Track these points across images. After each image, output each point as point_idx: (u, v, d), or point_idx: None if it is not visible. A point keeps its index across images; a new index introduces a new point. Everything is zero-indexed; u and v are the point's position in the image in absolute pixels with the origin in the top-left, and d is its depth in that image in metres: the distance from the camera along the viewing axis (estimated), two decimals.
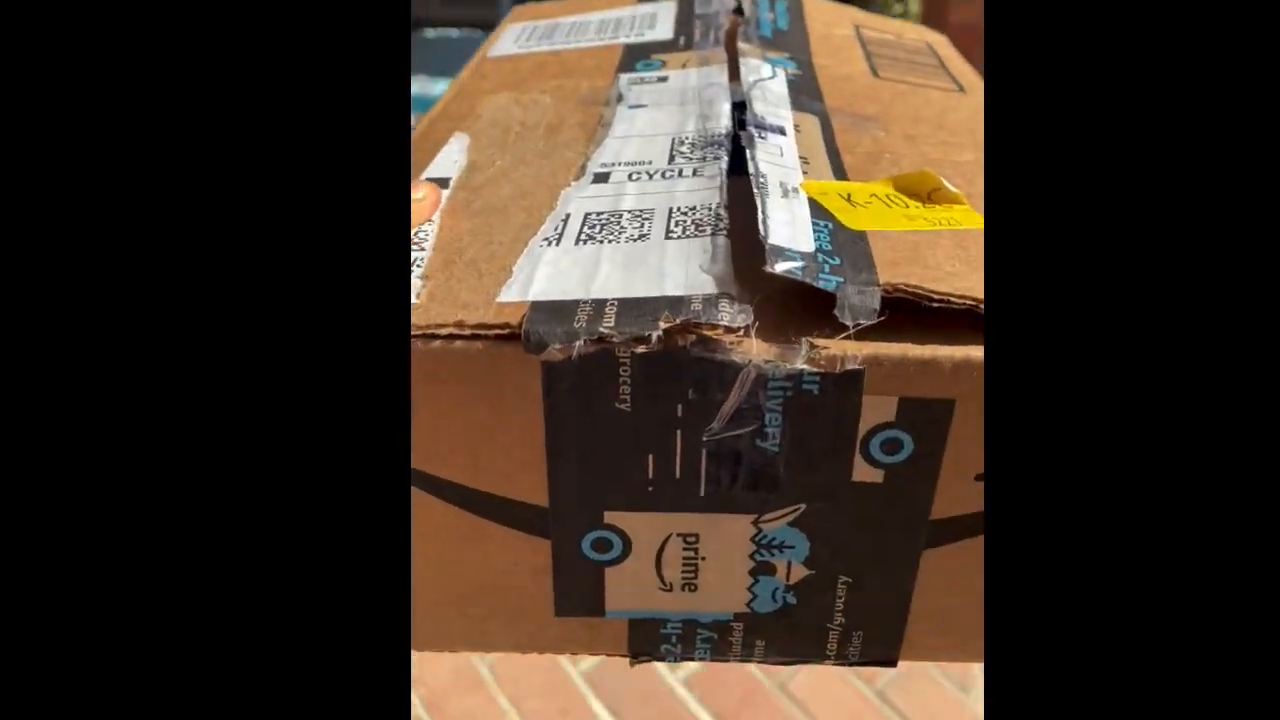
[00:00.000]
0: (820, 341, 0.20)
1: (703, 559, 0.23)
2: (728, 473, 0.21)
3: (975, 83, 0.39)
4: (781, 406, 0.20)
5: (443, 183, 0.27)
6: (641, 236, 0.23)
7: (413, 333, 0.20)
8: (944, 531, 0.22)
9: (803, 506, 0.22)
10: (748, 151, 0.26)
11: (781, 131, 0.28)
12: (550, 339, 0.19)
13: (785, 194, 0.24)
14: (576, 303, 0.20)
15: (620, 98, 0.32)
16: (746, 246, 0.22)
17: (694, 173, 0.26)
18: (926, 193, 0.26)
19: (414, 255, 0.23)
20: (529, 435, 0.21)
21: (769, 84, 0.32)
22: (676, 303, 0.20)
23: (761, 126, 0.28)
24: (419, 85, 1.44)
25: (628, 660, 0.25)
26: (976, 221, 0.24)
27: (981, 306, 0.20)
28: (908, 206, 0.25)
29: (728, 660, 0.24)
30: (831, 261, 0.21)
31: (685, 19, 0.39)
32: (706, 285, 0.21)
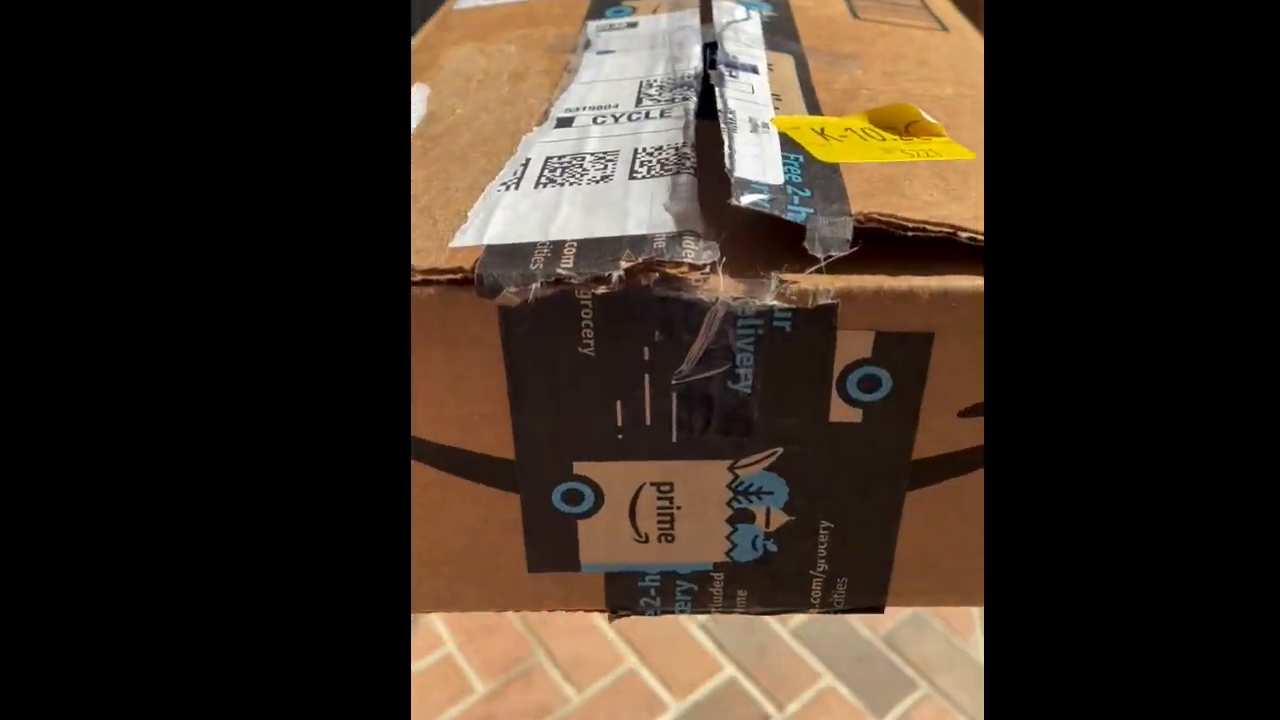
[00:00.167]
0: (790, 276, 0.19)
1: (678, 508, 0.22)
2: (700, 417, 0.21)
3: (958, 22, 0.38)
4: (752, 345, 0.20)
5: None
6: (604, 178, 0.22)
7: None
8: (927, 471, 0.22)
9: (780, 450, 0.21)
10: (716, 90, 0.25)
11: (754, 70, 0.27)
12: (505, 282, 0.19)
13: (754, 129, 0.23)
14: (533, 245, 0.20)
15: (588, 44, 0.31)
16: (715, 185, 0.21)
17: (661, 114, 0.25)
18: (904, 125, 0.25)
19: None
20: (490, 385, 0.20)
21: (742, 25, 0.31)
22: (639, 241, 0.19)
23: (733, 65, 0.27)
24: None
25: (605, 615, 0.24)
26: (957, 152, 0.23)
27: (959, 234, 0.19)
28: (884, 139, 0.24)
29: (709, 612, 0.24)
30: (801, 194, 0.20)
31: None
32: (670, 223, 0.20)
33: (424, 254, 0.19)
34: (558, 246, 0.19)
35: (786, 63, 0.29)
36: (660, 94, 0.27)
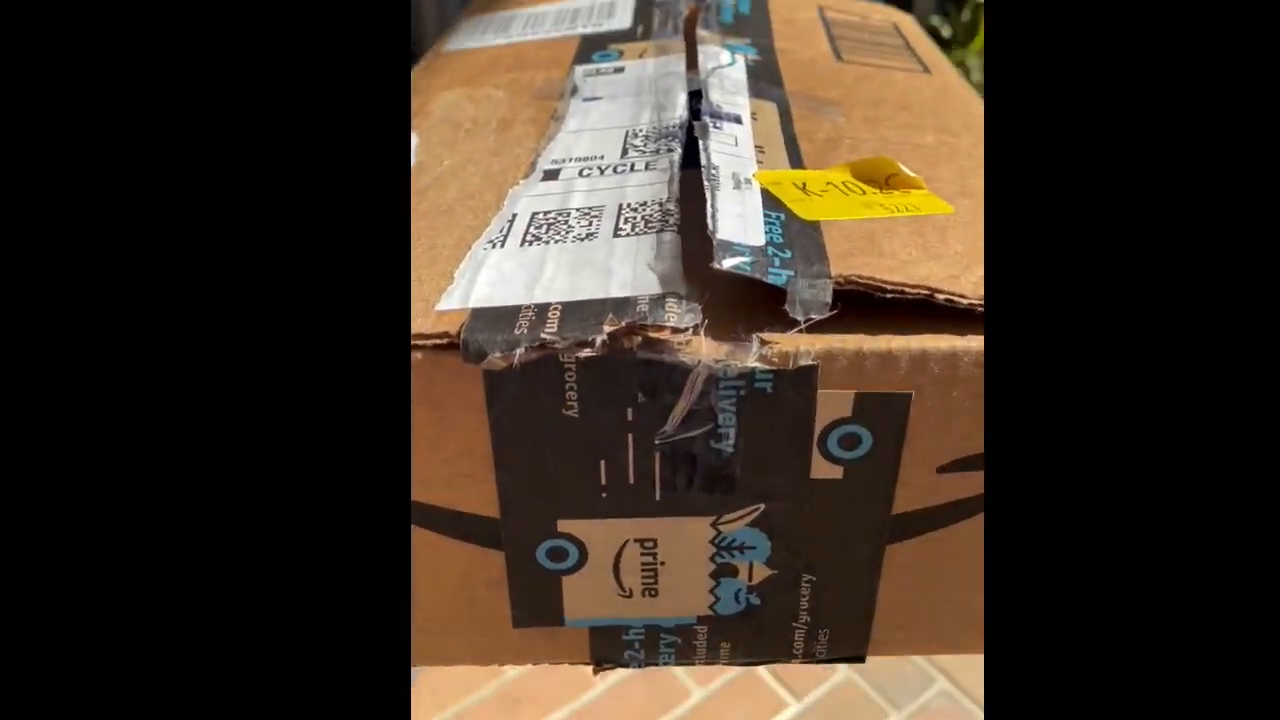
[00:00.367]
0: (772, 337, 0.20)
1: (662, 563, 0.22)
2: (683, 476, 0.21)
3: (939, 62, 0.38)
4: (735, 406, 0.20)
5: None
6: (589, 235, 0.22)
7: None
8: (907, 525, 0.22)
9: (762, 506, 0.21)
10: (700, 142, 0.25)
11: (737, 120, 0.28)
12: (490, 347, 0.19)
13: (737, 185, 0.23)
14: (519, 308, 0.20)
15: (575, 90, 0.31)
16: (698, 241, 0.21)
17: (646, 166, 0.26)
18: (884, 178, 0.25)
19: None
20: (475, 446, 0.20)
21: (727, 71, 0.31)
22: (622, 304, 0.20)
23: (717, 115, 0.27)
24: None
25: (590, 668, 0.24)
26: (935, 206, 0.24)
27: (935, 295, 0.20)
28: (864, 193, 0.24)
29: (693, 663, 0.24)
30: (782, 255, 0.20)
31: (644, 7, 0.39)
32: (653, 284, 0.20)
33: (413, 319, 0.20)
34: (542, 309, 0.20)
35: (770, 111, 0.29)
36: (646, 144, 0.27)
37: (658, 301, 0.20)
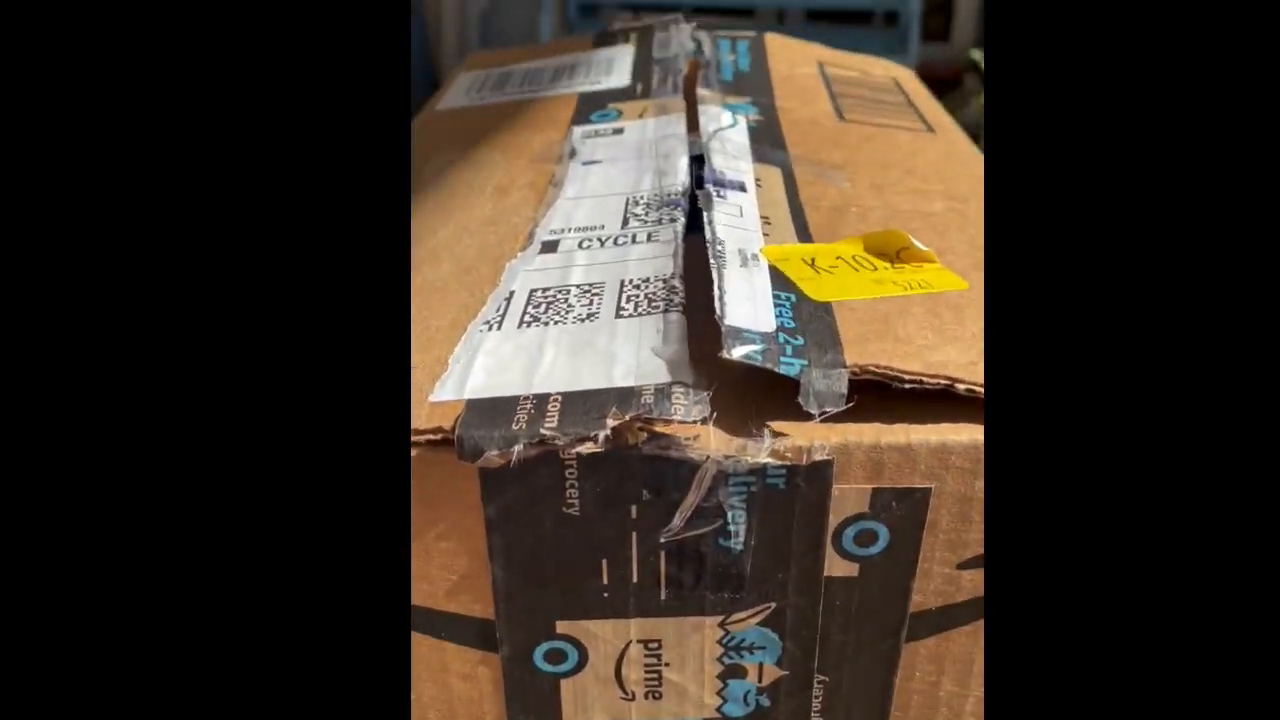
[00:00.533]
0: (784, 428, 0.19)
1: (666, 664, 0.21)
2: (690, 574, 0.20)
3: (942, 120, 0.38)
4: (745, 503, 0.19)
5: None
6: (590, 315, 0.21)
7: None
8: (926, 623, 0.21)
9: (773, 605, 0.20)
10: (705, 214, 0.24)
11: (742, 188, 0.27)
12: (486, 444, 0.18)
13: (744, 262, 0.22)
14: (516, 399, 0.19)
15: (573, 153, 0.31)
16: (703, 320, 0.20)
17: (648, 238, 0.25)
18: (895, 251, 0.24)
19: None
20: (469, 544, 0.19)
21: (729, 133, 0.30)
22: (626, 395, 0.19)
23: (720, 183, 0.26)
24: None
25: None
26: (949, 281, 0.23)
27: (955, 385, 0.19)
28: (875, 269, 0.23)
29: None
30: (794, 342, 0.19)
31: (643, 63, 0.38)
32: (658, 372, 0.19)
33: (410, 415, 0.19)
34: (542, 400, 0.19)
35: (774, 177, 0.28)
36: (647, 213, 0.26)
37: (663, 391, 0.19)
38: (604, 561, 0.19)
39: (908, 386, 0.19)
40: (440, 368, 0.20)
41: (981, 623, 0.21)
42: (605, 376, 0.19)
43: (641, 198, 0.27)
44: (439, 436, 0.18)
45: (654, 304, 0.22)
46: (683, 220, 0.25)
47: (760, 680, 0.21)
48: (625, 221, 0.26)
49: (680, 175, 0.28)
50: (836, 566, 0.20)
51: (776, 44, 0.41)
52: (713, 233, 0.23)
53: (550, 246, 0.25)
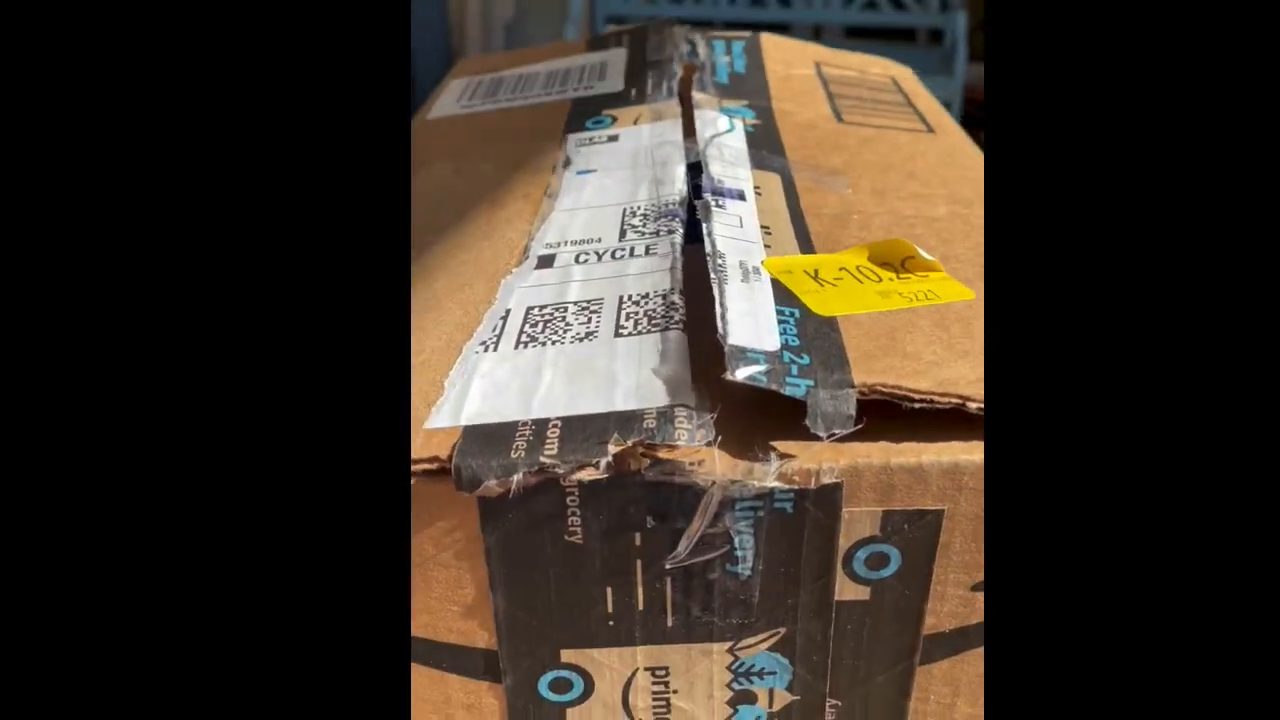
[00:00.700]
0: (791, 449, 0.18)
1: (674, 692, 0.20)
2: (697, 601, 0.19)
3: (942, 120, 0.37)
4: (752, 528, 0.18)
5: None
6: (589, 335, 0.21)
7: None
8: (939, 646, 0.20)
9: (783, 630, 0.20)
10: (704, 226, 0.23)
11: (741, 196, 0.26)
12: (484, 473, 0.17)
13: (745, 276, 0.22)
14: (515, 425, 0.18)
15: (568, 162, 0.30)
16: (705, 336, 0.20)
17: (646, 250, 0.24)
18: (899, 261, 0.24)
19: None
20: (469, 575, 0.19)
21: (726, 139, 0.30)
22: (627, 419, 0.18)
23: (719, 193, 0.26)
24: None
25: None
26: (955, 292, 0.22)
27: (967, 404, 0.18)
28: (880, 280, 0.23)
29: None
30: (799, 361, 0.19)
31: (637, 67, 0.37)
32: (660, 394, 0.19)
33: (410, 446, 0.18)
34: (541, 426, 0.18)
35: (774, 184, 0.28)
36: (645, 224, 0.26)
37: (666, 415, 0.18)
38: (608, 589, 0.19)
39: (918, 406, 0.18)
40: (435, 391, 0.19)
41: None
42: (606, 400, 0.19)
43: (639, 208, 0.26)
44: (435, 466, 0.17)
45: (654, 321, 0.21)
46: (681, 231, 0.25)
47: (771, 706, 0.21)
48: (623, 233, 0.25)
49: (677, 184, 0.27)
50: (847, 590, 0.19)
51: (772, 44, 0.41)
52: (713, 245, 0.23)
53: (546, 261, 0.24)
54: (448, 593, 0.19)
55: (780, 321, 0.20)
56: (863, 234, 0.25)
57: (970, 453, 0.18)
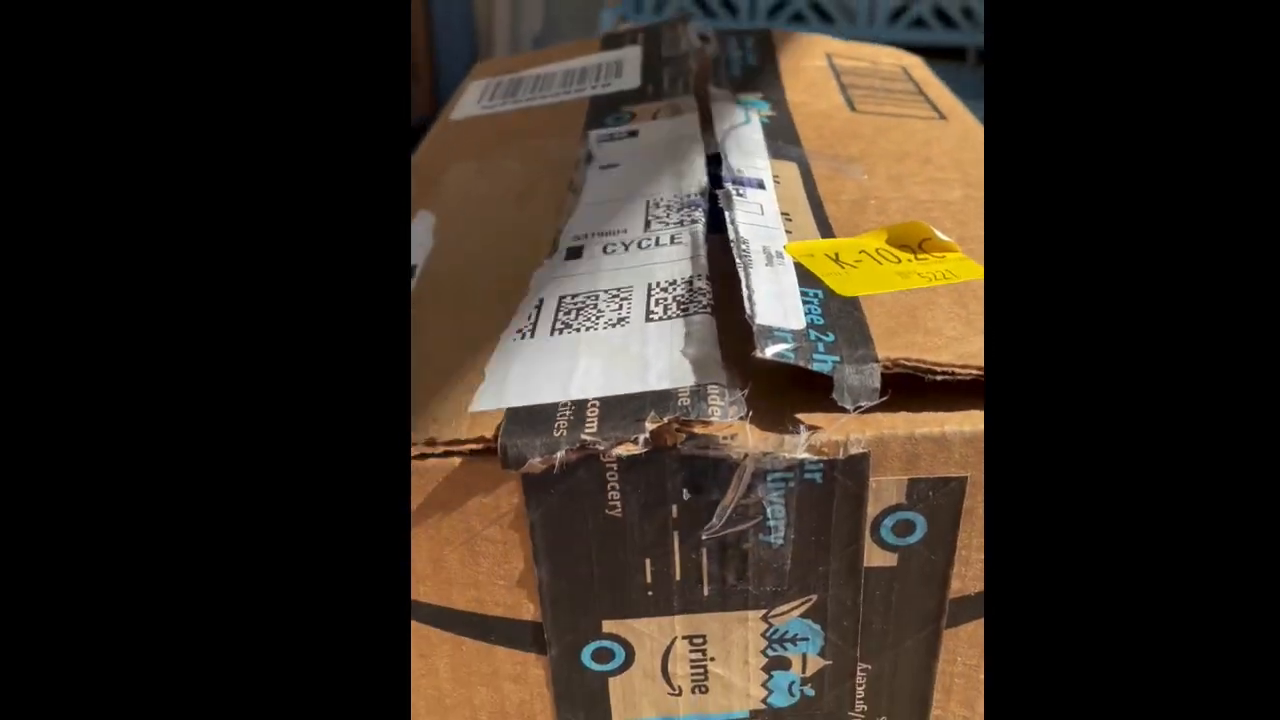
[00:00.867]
0: (819, 423, 0.19)
1: (711, 659, 0.21)
2: (732, 570, 0.20)
3: (954, 107, 0.38)
4: (784, 498, 0.19)
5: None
6: (621, 320, 0.22)
7: None
8: (965, 609, 0.21)
9: (814, 597, 0.20)
10: (726, 214, 0.24)
11: (760, 185, 0.27)
12: (529, 451, 0.18)
13: (769, 261, 0.23)
14: (555, 406, 0.19)
15: (590, 158, 0.31)
16: (732, 319, 0.21)
17: (671, 239, 0.25)
18: (917, 243, 0.24)
19: None
20: (514, 550, 0.19)
21: (743, 130, 0.31)
22: (662, 398, 0.19)
23: (739, 182, 0.27)
24: None
25: None
26: (972, 271, 0.23)
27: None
28: (899, 261, 0.24)
29: None
30: (825, 339, 0.20)
31: (652, 64, 0.38)
32: (692, 374, 0.20)
33: (445, 422, 0.19)
34: (580, 407, 0.19)
35: (791, 172, 0.29)
36: (668, 214, 0.26)
37: (698, 392, 0.19)
38: (647, 561, 0.20)
39: (940, 379, 0.19)
40: (476, 377, 0.20)
41: None
42: (640, 380, 0.20)
43: (662, 199, 0.27)
44: (481, 446, 0.18)
45: (682, 306, 0.22)
46: (704, 221, 0.26)
47: (804, 671, 0.21)
48: (647, 224, 0.26)
49: (698, 175, 0.28)
50: (875, 557, 0.20)
51: (783, 39, 0.42)
52: (736, 232, 0.23)
53: (575, 252, 0.25)
54: (494, 567, 0.20)
55: (805, 302, 0.21)
56: (880, 218, 0.26)
57: None
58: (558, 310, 0.22)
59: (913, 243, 0.24)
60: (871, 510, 0.19)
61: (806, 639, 0.21)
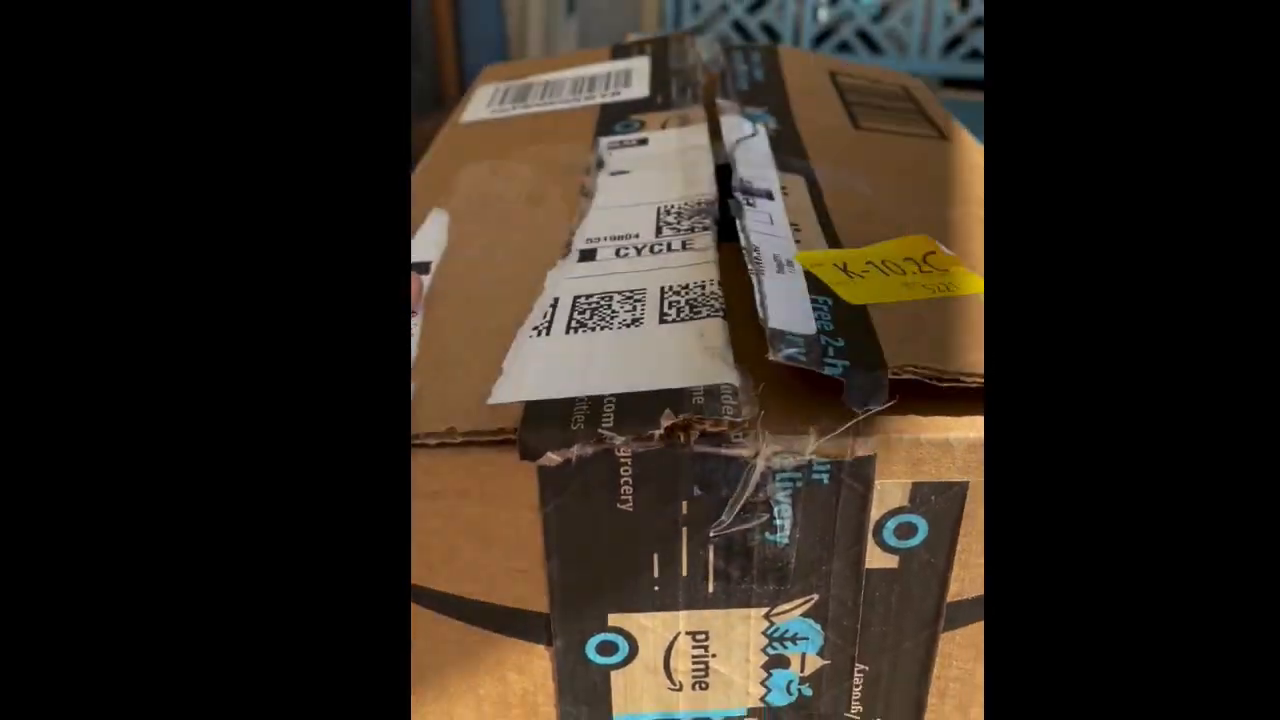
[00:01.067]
0: (828, 426, 0.19)
1: (713, 656, 0.22)
2: (737, 567, 0.20)
3: (953, 127, 0.39)
4: (791, 497, 0.20)
5: (423, 268, 0.26)
6: (635, 321, 0.22)
7: None
8: (963, 613, 0.21)
9: (815, 597, 0.21)
10: (738, 221, 0.25)
11: (769, 195, 0.28)
12: (546, 445, 0.19)
13: (780, 268, 0.23)
14: (572, 401, 0.20)
15: (601, 164, 0.31)
16: (745, 323, 0.21)
17: (683, 245, 0.26)
18: (921, 256, 0.25)
19: None
20: (526, 540, 0.20)
21: (751, 143, 0.31)
22: (677, 396, 0.19)
23: (749, 192, 0.27)
24: None
25: None
26: (973, 284, 0.24)
27: None
28: (905, 273, 0.24)
29: None
30: (835, 344, 0.20)
31: (661, 75, 0.39)
32: (706, 374, 0.20)
33: (464, 413, 0.19)
34: (597, 402, 0.19)
35: (799, 186, 0.29)
36: (680, 221, 0.27)
37: (712, 392, 0.19)
38: (655, 556, 0.20)
39: (946, 385, 0.20)
40: (493, 372, 0.21)
41: None
42: (656, 379, 0.20)
43: (673, 206, 0.28)
44: (500, 437, 0.19)
45: (695, 309, 0.23)
46: (715, 229, 0.26)
47: (802, 670, 0.22)
48: (659, 230, 0.27)
49: (708, 184, 0.29)
50: (877, 559, 0.21)
51: (788, 55, 0.42)
52: (747, 239, 0.24)
53: (588, 255, 0.26)
54: (506, 558, 0.20)
55: (815, 309, 0.22)
56: (885, 232, 0.27)
57: None
58: (573, 310, 0.23)
59: (917, 256, 0.25)
60: (875, 512, 0.20)
61: (807, 638, 0.21)
